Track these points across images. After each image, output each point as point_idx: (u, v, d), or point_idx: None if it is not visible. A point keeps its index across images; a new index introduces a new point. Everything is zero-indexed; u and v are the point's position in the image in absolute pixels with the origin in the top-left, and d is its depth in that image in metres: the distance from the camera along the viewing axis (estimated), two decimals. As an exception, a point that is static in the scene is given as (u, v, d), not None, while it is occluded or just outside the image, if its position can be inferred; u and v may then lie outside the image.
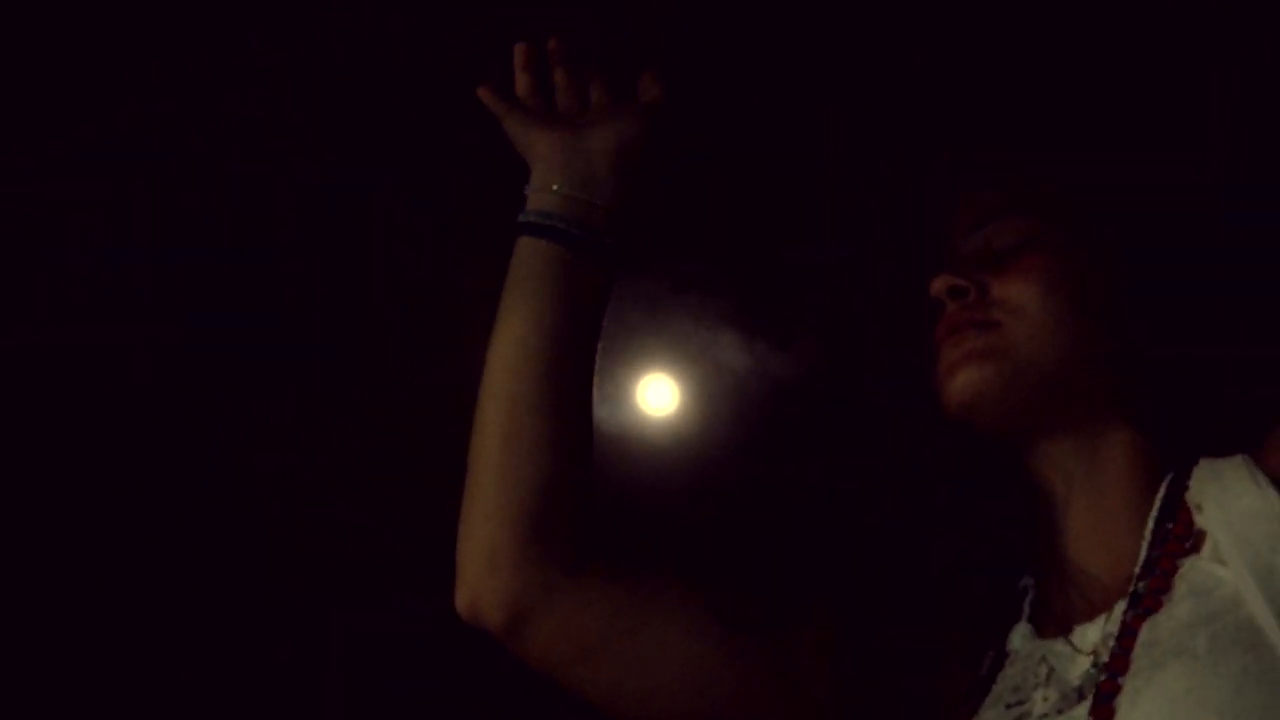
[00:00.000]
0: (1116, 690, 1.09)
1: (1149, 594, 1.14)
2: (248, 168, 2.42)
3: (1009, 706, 1.18)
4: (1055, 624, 1.22)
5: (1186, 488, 1.19)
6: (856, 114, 2.33)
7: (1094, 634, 1.17)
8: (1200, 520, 1.16)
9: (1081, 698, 1.13)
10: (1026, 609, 1.26)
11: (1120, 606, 1.16)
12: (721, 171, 2.45)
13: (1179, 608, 1.11)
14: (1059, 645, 1.19)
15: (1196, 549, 1.15)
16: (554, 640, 1.28)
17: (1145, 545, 1.17)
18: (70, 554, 2.79)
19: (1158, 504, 1.20)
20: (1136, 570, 1.16)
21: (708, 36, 2.30)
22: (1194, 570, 1.14)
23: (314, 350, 2.69)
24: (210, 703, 2.90)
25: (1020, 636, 1.24)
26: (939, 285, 1.28)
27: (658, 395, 2.79)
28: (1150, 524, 1.19)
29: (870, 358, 2.30)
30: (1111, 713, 1.08)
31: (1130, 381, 1.26)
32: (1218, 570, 1.12)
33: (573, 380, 1.31)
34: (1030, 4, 2.19)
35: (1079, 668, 1.16)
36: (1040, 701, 1.16)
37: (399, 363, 2.53)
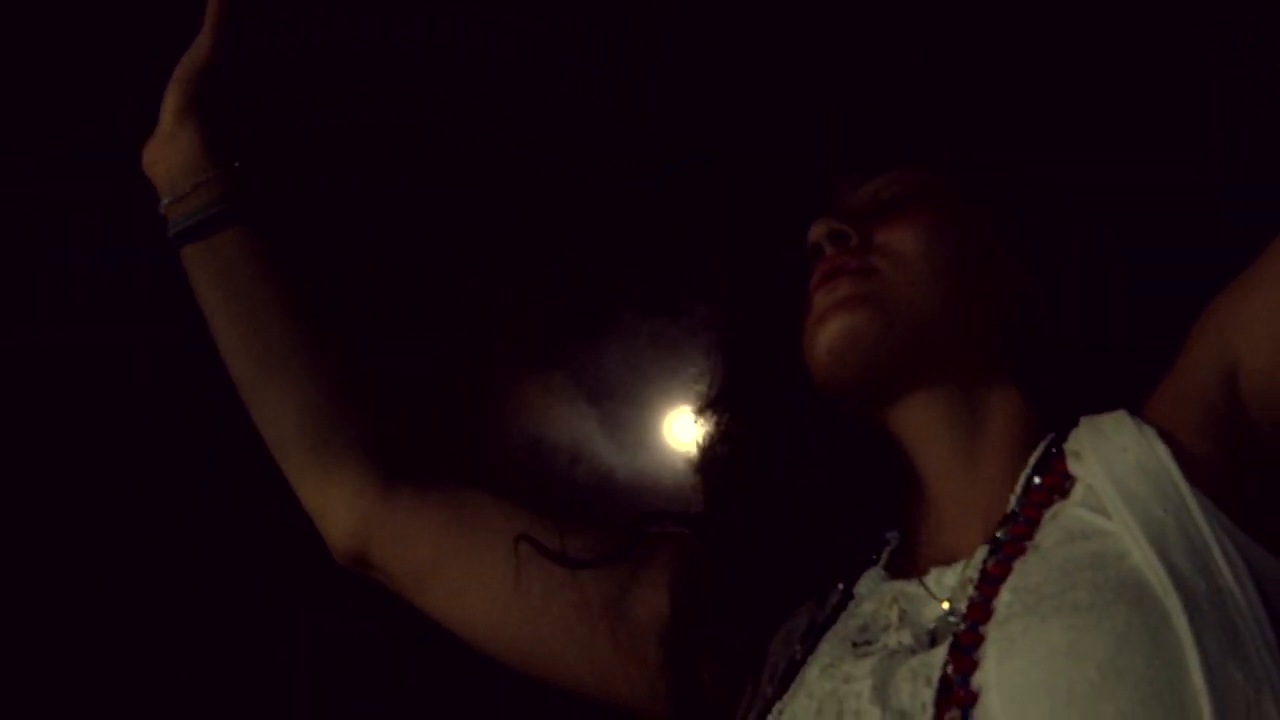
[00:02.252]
0: (978, 640, 1.02)
1: (1011, 540, 1.07)
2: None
3: (855, 645, 1.11)
4: (911, 569, 1.15)
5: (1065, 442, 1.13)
6: (856, 114, 2.33)
7: (951, 578, 1.10)
8: (1075, 468, 1.10)
9: (934, 642, 1.06)
10: (884, 557, 1.20)
11: (981, 553, 1.09)
12: (721, 172, 2.46)
13: (1053, 553, 1.05)
14: (911, 587, 1.12)
15: (1065, 495, 1.09)
16: (392, 567, 1.34)
17: (1015, 497, 1.11)
18: (70, 554, 2.79)
19: (1033, 461, 1.13)
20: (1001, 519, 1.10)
21: (708, 36, 2.30)
22: (1064, 515, 1.08)
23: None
24: (210, 703, 2.90)
25: (869, 580, 1.17)
26: (818, 230, 1.20)
27: (684, 430, 2.77)
28: (1023, 479, 1.12)
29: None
30: (973, 664, 1.01)
31: (1017, 341, 1.19)
32: (1095, 519, 1.06)
33: (278, 336, 1.36)
34: (1028, 4, 2.20)
35: (933, 611, 1.09)
36: (892, 643, 1.09)
37: (398, 362, 2.52)
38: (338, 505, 1.35)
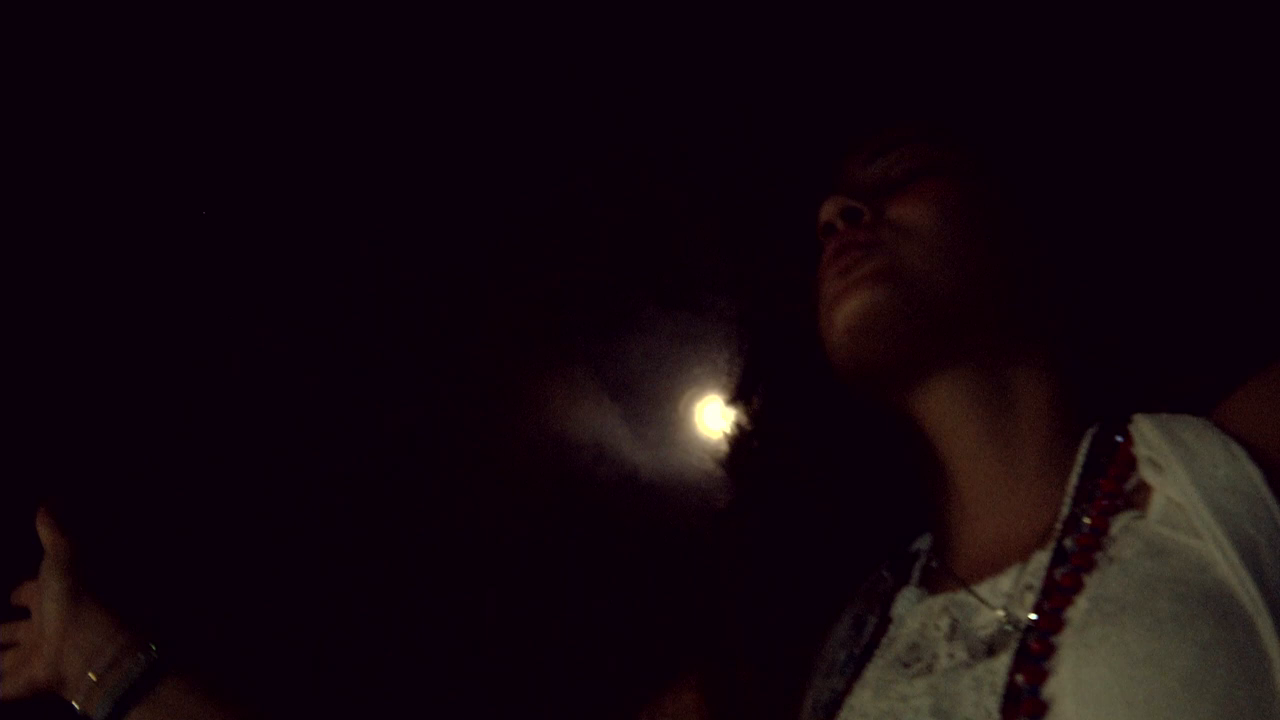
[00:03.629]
0: (1050, 650, 0.97)
1: (1080, 550, 1.02)
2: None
3: (906, 665, 1.06)
4: (954, 581, 1.10)
5: (1117, 441, 1.08)
6: (863, 114, 2.32)
7: (1006, 584, 1.06)
8: (1152, 478, 1.04)
9: (992, 652, 1.02)
10: (916, 574, 1.16)
11: (1040, 559, 1.04)
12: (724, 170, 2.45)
13: (1133, 565, 1.00)
14: (961, 596, 1.07)
15: (1135, 506, 1.04)
16: None
17: (1069, 499, 1.06)
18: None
19: (1083, 455, 1.08)
20: (1059, 525, 1.05)
21: (708, 36, 2.29)
22: (1144, 529, 1.02)
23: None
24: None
25: (906, 600, 1.13)
26: (830, 209, 1.16)
27: (708, 423, 2.77)
28: (1075, 477, 1.07)
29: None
30: (1044, 674, 0.96)
31: (1049, 318, 1.14)
32: (1180, 536, 1.00)
33: None
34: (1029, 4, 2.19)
35: (986, 619, 1.05)
36: (945, 657, 1.04)
37: (398, 364, 2.53)
38: None
